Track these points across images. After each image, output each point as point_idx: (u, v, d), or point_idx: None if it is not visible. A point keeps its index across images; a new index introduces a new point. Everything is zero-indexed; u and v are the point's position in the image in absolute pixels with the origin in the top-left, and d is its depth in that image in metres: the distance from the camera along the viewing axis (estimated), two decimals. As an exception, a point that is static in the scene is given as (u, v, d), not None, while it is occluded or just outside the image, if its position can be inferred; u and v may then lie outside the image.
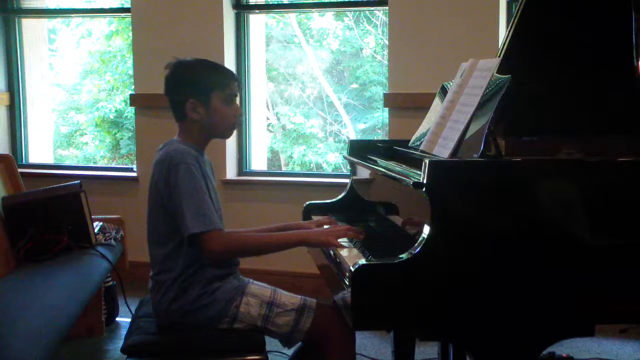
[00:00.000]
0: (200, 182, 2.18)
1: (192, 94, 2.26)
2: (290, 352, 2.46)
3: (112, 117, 8.25)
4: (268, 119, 7.71)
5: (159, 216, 2.26)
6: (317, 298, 2.34)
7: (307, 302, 2.26)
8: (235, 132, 4.58)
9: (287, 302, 2.25)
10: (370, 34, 8.07)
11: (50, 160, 5.43)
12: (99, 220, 3.72)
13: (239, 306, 2.23)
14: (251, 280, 2.39)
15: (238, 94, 2.34)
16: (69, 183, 3.52)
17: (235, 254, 2.29)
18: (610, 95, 2.16)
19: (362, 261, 1.77)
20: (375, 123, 7.75)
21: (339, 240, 2.20)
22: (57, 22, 7.86)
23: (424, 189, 1.77)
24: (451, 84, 2.42)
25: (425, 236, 1.75)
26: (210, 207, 2.17)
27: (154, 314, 2.31)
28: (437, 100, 2.52)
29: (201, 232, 2.14)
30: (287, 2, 5.05)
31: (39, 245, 3.24)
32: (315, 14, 7.71)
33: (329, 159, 7.94)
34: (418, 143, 2.47)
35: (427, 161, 1.78)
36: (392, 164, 2.27)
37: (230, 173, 4.59)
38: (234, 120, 2.32)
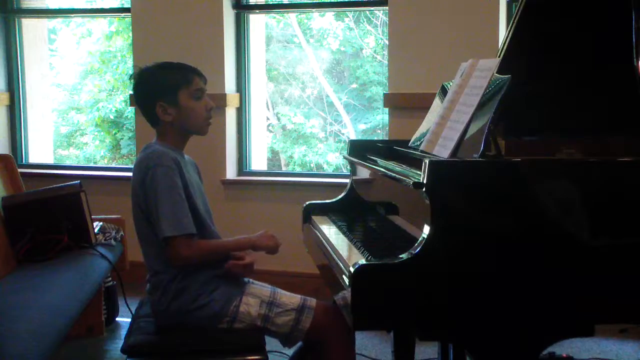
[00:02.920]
0: (177, 184, 2.18)
1: (159, 97, 2.27)
2: (290, 352, 2.46)
3: (112, 117, 8.26)
4: (268, 119, 7.71)
5: (142, 218, 2.26)
6: (317, 298, 2.34)
7: (306, 302, 2.26)
8: (235, 132, 4.61)
9: (286, 302, 2.25)
10: (370, 34, 8.07)
11: (50, 160, 5.43)
12: (99, 220, 3.72)
13: (239, 306, 2.23)
14: (250, 279, 2.39)
15: (205, 88, 2.34)
16: (69, 183, 3.52)
17: (200, 258, 2.27)
18: (610, 95, 2.16)
19: (362, 261, 1.77)
20: (376, 124, 7.75)
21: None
22: (57, 22, 7.86)
23: (424, 189, 1.77)
24: (451, 84, 2.41)
25: (425, 236, 1.75)
26: (184, 211, 2.18)
27: (152, 314, 2.31)
28: (437, 100, 2.52)
29: (173, 235, 2.15)
30: (287, 2, 5.05)
31: (39, 245, 3.24)
32: (315, 13, 7.71)
33: (329, 159, 7.94)
34: (418, 143, 2.47)
35: (427, 161, 1.78)
36: (392, 164, 2.27)
37: (230, 173, 4.59)
38: (206, 115, 2.33)
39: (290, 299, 2.27)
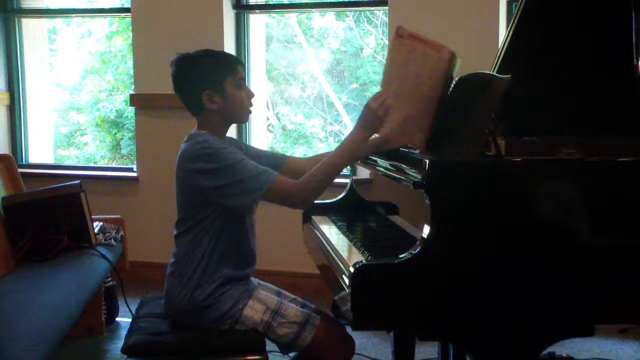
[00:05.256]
0: (238, 158, 2.18)
1: (205, 85, 2.25)
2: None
3: (112, 117, 8.25)
4: (268, 119, 7.71)
5: (187, 206, 2.25)
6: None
7: (311, 318, 2.24)
8: (235, 132, 4.61)
9: (291, 314, 2.24)
10: (370, 34, 8.07)
11: (50, 160, 5.43)
12: (99, 220, 3.71)
13: (243, 309, 2.23)
14: (259, 282, 2.40)
15: (245, 77, 2.35)
16: (69, 183, 3.52)
17: (314, 189, 2.25)
18: (610, 95, 2.16)
19: (362, 261, 1.77)
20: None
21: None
22: (57, 22, 7.86)
23: (424, 189, 1.77)
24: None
25: (425, 236, 1.75)
26: (256, 165, 2.18)
27: (164, 299, 2.31)
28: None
29: (269, 187, 2.14)
30: (287, 2, 5.05)
31: (39, 245, 3.24)
32: (315, 13, 7.71)
33: (330, 159, 7.91)
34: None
35: (427, 161, 1.78)
36: (392, 164, 2.27)
37: (231, 173, 4.58)
38: (249, 103, 2.33)
39: (295, 312, 2.25)
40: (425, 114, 2.11)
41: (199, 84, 2.26)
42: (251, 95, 2.34)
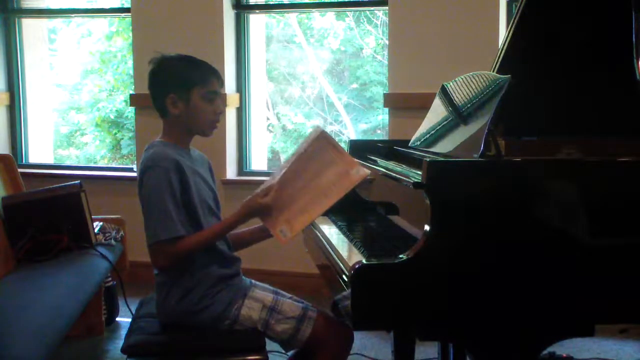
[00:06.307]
0: (170, 185, 2.15)
1: (172, 89, 2.24)
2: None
3: (112, 117, 8.26)
4: (268, 119, 7.70)
5: None
6: (317, 300, 2.33)
7: (307, 311, 2.24)
8: (235, 132, 4.61)
9: (287, 310, 2.24)
10: (370, 34, 8.06)
11: (50, 160, 5.43)
12: (99, 220, 3.71)
13: (241, 309, 2.23)
14: (253, 281, 2.39)
15: (220, 92, 2.30)
16: (69, 183, 3.52)
17: (187, 256, 2.20)
18: (610, 95, 2.16)
19: (362, 261, 1.77)
20: (376, 124, 7.75)
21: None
22: (57, 22, 7.86)
23: (424, 189, 1.77)
24: (451, 84, 2.42)
25: (425, 236, 1.75)
26: (169, 215, 2.13)
27: (156, 311, 2.31)
28: (437, 100, 2.52)
29: (149, 244, 2.17)
30: (287, 2, 5.05)
31: (39, 245, 3.24)
32: (315, 13, 7.71)
33: (330, 159, 7.90)
34: (418, 143, 2.48)
35: (427, 161, 1.78)
36: (392, 164, 2.27)
37: (230, 173, 4.59)
38: (213, 118, 2.29)
39: (291, 306, 2.25)
40: (305, 210, 2.22)
41: (166, 86, 2.26)
42: (218, 111, 2.29)
